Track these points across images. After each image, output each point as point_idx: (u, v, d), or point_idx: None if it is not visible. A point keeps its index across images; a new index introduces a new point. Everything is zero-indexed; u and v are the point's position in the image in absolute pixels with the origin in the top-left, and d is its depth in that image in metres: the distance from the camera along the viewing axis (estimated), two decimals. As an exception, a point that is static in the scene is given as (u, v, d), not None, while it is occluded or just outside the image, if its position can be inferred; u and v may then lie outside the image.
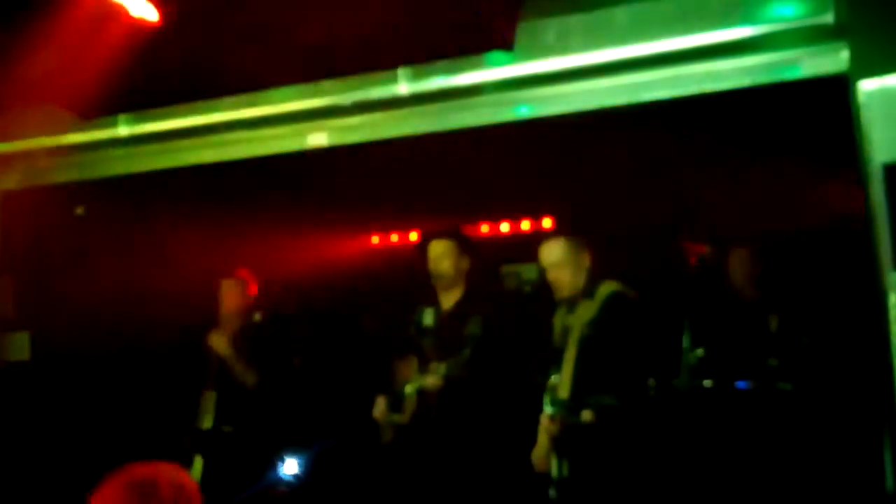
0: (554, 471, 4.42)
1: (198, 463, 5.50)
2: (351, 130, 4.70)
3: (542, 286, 7.00)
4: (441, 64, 4.15)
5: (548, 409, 4.39)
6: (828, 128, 3.86)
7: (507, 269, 7.42)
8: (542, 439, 4.62)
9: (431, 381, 4.94)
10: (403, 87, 4.28)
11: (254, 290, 5.93)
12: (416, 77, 4.24)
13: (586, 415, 4.31)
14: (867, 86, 3.22)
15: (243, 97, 4.65)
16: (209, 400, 5.82)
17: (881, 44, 3.24)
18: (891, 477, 3.24)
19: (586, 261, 4.63)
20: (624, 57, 3.88)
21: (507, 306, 5.65)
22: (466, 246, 5.28)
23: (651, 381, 4.54)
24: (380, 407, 5.22)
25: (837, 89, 3.52)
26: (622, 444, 4.39)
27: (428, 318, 5.24)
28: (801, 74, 3.74)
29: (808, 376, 5.11)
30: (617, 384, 4.37)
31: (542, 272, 4.89)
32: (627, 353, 4.39)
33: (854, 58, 3.34)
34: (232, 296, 5.89)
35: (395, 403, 5.19)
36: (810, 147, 4.93)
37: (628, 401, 4.37)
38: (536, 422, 4.64)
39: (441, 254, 5.19)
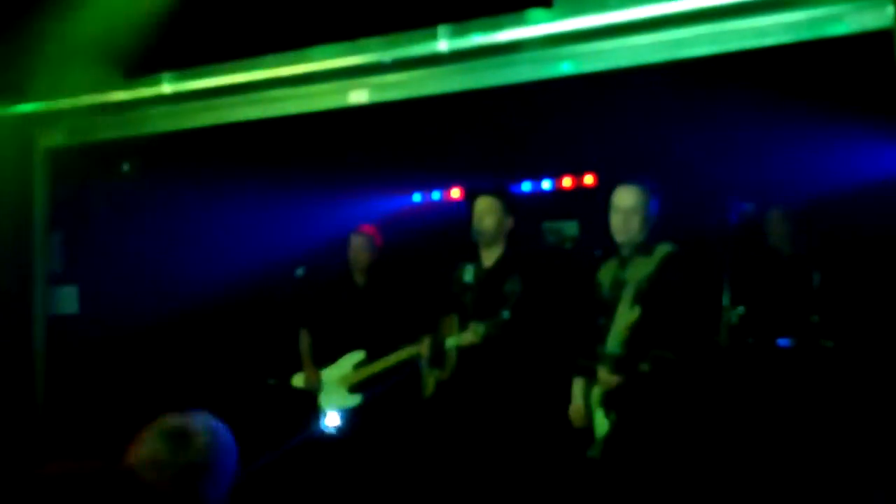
0: (600, 428, 4.48)
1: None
2: (391, 87, 4.71)
3: (582, 242, 7.04)
4: (481, 21, 4.14)
5: (603, 362, 4.43)
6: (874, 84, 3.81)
7: (548, 225, 7.41)
8: (579, 395, 4.67)
9: (469, 339, 5.00)
10: (443, 44, 4.28)
11: (378, 242, 6.19)
12: (456, 34, 4.24)
13: (644, 366, 4.33)
14: (912, 41, 3.17)
15: (285, 55, 4.67)
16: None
17: (927, -2, 3.19)
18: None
19: (653, 216, 4.61)
20: (665, 13, 3.84)
21: (548, 264, 5.66)
22: (511, 204, 5.29)
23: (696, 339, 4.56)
24: (423, 347, 5.34)
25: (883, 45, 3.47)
26: (672, 402, 4.40)
27: (468, 274, 5.26)
28: (845, 30, 3.68)
29: (850, 332, 5.11)
30: (671, 341, 4.37)
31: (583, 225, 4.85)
32: (684, 312, 4.39)
33: (899, 13, 3.29)
34: (360, 250, 6.15)
35: (437, 358, 5.26)
36: (857, 104, 4.86)
37: (682, 358, 4.38)
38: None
39: (485, 210, 5.21)
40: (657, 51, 4.05)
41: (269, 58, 4.69)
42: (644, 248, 4.54)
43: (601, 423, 4.49)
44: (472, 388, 5.07)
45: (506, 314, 4.85)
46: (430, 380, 5.30)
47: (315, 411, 5.83)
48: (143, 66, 4.75)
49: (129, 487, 2.32)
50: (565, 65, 4.32)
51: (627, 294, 4.45)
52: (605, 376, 4.43)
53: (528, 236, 6.06)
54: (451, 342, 5.14)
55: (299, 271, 6.09)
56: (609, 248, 4.68)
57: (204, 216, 6.69)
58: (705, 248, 4.72)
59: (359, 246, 6.15)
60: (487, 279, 5.21)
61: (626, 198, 4.58)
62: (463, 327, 5.09)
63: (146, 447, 2.53)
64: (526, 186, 7.67)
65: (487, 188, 5.35)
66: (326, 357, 6.09)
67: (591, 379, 4.59)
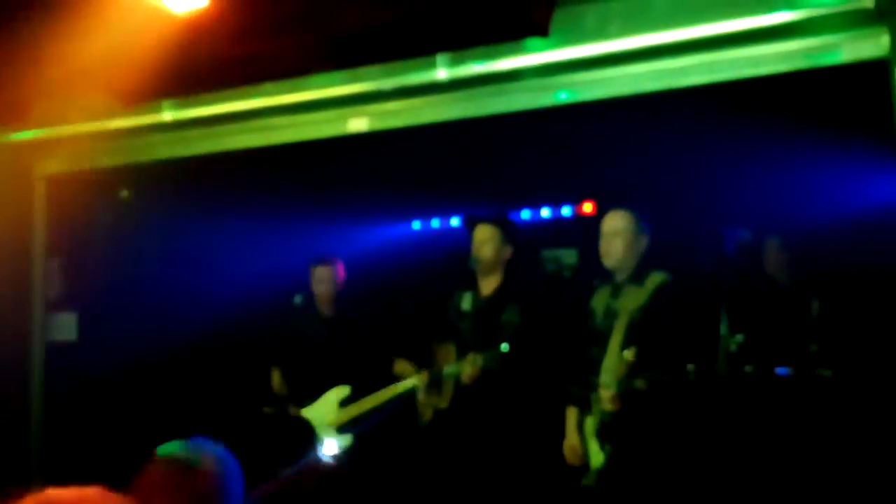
0: (595, 459, 4.47)
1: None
2: (391, 115, 4.74)
3: (581, 271, 7.04)
4: (479, 50, 4.18)
5: (605, 388, 4.41)
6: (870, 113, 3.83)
7: (547, 253, 7.43)
8: (573, 429, 4.66)
9: (468, 371, 4.97)
10: (442, 72, 4.32)
11: (342, 272, 6.09)
12: (455, 63, 4.27)
13: (639, 382, 4.31)
14: (907, 71, 3.20)
15: (285, 83, 4.71)
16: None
17: (921, 28, 3.22)
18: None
19: (643, 243, 4.62)
20: (662, 42, 3.88)
21: (546, 294, 5.65)
22: (510, 233, 5.28)
23: (691, 368, 4.55)
24: (421, 381, 5.32)
25: (879, 74, 3.50)
26: (668, 430, 4.40)
27: (466, 302, 5.26)
28: (840, 59, 3.71)
29: (849, 362, 5.10)
30: (661, 371, 4.37)
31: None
32: (677, 344, 4.39)
33: (894, 42, 3.32)
34: (324, 280, 6.04)
35: (434, 387, 5.24)
36: (855, 132, 4.89)
37: (676, 382, 4.37)
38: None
39: (485, 239, 5.20)
40: (653, 80, 4.08)
41: (269, 86, 4.73)
42: (636, 276, 4.54)
43: (596, 455, 4.48)
44: (470, 418, 5.06)
45: (505, 347, 4.83)
46: (428, 408, 5.28)
47: (313, 439, 5.80)
48: (143, 94, 4.77)
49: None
50: (562, 93, 4.35)
51: (620, 325, 4.46)
52: (603, 402, 4.43)
53: (526, 264, 6.06)
54: (448, 371, 5.13)
55: (297, 299, 6.10)
56: (606, 277, 4.68)
57: (203, 243, 6.70)
58: (701, 277, 4.72)
59: (321, 278, 6.03)
60: (485, 308, 5.20)
61: (610, 222, 4.61)
62: (461, 356, 5.08)
63: (153, 475, 2.53)
64: (525, 214, 7.70)
65: (486, 216, 5.35)
66: (304, 394, 5.95)
67: (584, 409, 4.59)
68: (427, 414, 5.28)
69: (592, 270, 4.94)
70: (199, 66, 4.12)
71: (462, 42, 4.08)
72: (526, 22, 3.52)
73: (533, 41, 4.00)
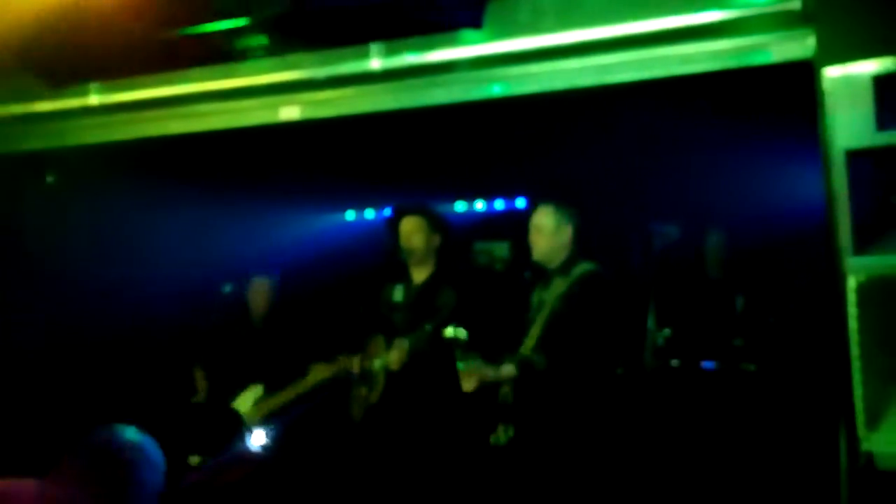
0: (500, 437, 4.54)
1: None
2: (323, 104, 4.69)
3: (513, 264, 7.07)
4: (413, 41, 4.16)
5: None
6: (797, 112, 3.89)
7: (479, 246, 7.45)
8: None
9: (395, 356, 4.98)
10: (376, 62, 4.29)
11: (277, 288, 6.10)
12: (389, 53, 4.25)
13: (508, 368, 4.39)
14: (832, 72, 3.25)
15: (216, 69, 4.63)
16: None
17: (846, 31, 3.27)
18: (844, 457, 3.32)
19: (567, 235, 4.65)
20: (595, 38, 3.90)
21: (480, 280, 5.68)
22: (438, 222, 5.30)
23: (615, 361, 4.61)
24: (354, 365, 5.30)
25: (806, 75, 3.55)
26: (575, 422, 4.44)
27: (398, 293, 5.27)
28: (769, 59, 3.76)
29: (772, 356, 5.19)
30: (576, 357, 4.41)
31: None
32: (591, 329, 4.43)
33: (820, 44, 3.37)
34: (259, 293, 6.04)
35: (365, 380, 5.23)
36: (779, 131, 4.97)
37: (555, 368, 4.41)
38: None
39: (412, 230, 5.21)
40: (586, 75, 4.10)
41: (199, 71, 4.65)
42: (564, 268, 4.59)
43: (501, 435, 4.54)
44: (401, 408, 5.05)
45: (429, 327, 4.84)
46: (359, 402, 5.26)
47: (241, 430, 5.75)
48: (70, 76, 4.67)
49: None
50: (496, 86, 4.35)
51: (542, 314, 4.51)
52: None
53: (458, 255, 6.08)
54: (377, 363, 5.12)
55: (226, 288, 6.04)
56: (538, 270, 4.71)
57: (131, 230, 6.59)
58: (628, 270, 4.78)
59: (257, 290, 6.04)
60: (419, 296, 5.20)
61: (536, 217, 4.66)
62: (390, 347, 5.07)
63: (72, 462, 2.50)
64: (459, 207, 7.72)
65: (411, 208, 5.36)
66: (225, 394, 5.91)
67: None
68: (359, 408, 5.26)
69: (525, 263, 4.97)
70: (125, 49, 4.05)
71: (395, 31, 4.05)
72: (458, 13, 3.51)
73: (467, 33, 4.00)
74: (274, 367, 5.83)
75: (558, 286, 4.56)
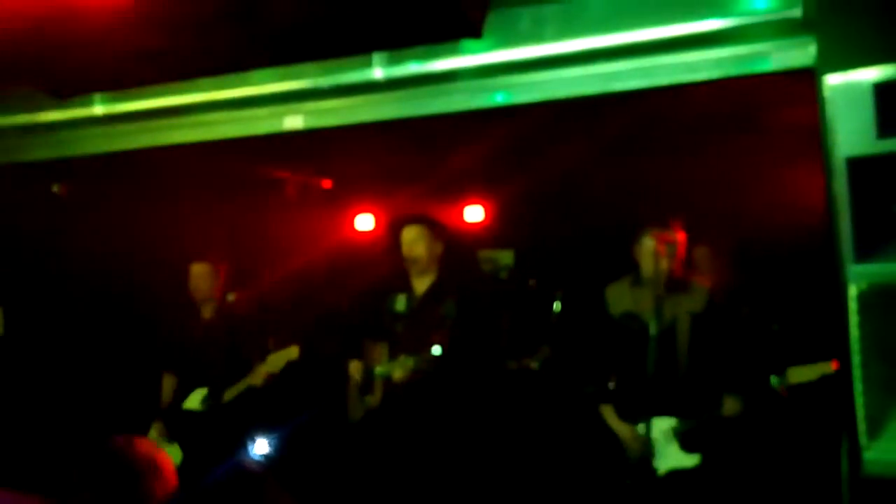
0: None
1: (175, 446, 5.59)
2: (327, 114, 4.71)
3: (518, 272, 7.08)
4: (415, 50, 4.17)
5: None
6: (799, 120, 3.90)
7: (483, 254, 7.46)
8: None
9: (398, 374, 5.00)
10: (378, 71, 4.30)
11: (223, 272, 5.93)
12: (391, 62, 4.26)
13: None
14: (832, 80, 3.25)
15: (220, 79, 4.65)
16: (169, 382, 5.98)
17: (847, 39, 3.27)
18: (845, 466, 3.32)
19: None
20: (596, 47, 3.91)
21: (482, 290, 5.69)
22: (439, 231, 5.31)
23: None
24: (355, 370, 5.31)
25: (807, 82, 3.56)
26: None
27: (401, 303, 5.28)
28: (770, 67, 3.77)
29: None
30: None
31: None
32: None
33: (820, 52, 3.37)
34: (203, 279, 5.90)
35: (366, 385, 5.24)
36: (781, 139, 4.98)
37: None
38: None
39: (414, 238, 5.23)
40: (590, 83, 4.10)
41: (204, 81, 4.67)
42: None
43: None
44: (401, 417, 5.06)
45: (436, 350, 4.87)
46: (359, 406, 5.27)
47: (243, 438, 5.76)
48: (75, 87, 4.69)
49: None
50: (499, 95, 4.36)
51: None
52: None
53: (461, 263, 6.09)
54: (379, 371, 5.14)
55: (230, 297, 6.03)
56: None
57: (134, 237, 6.61)
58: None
59: (199, 275, 5.91)
60: (420, 306, 5.21)
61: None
62: (393, 356, 5.08)
63: (83, 475, 2.50)
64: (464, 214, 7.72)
65: (412, 217, 5.38)
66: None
67: None
68: (358, 412, 5.27)
69: (530, 271, 5.00)
70: (129, 60, 4.06)
71: (392, 42, 4.06)
72: (457, 23, 3.51)
73: (468, 43, 4.01)
74: (226, 364, 5.77)
75: None
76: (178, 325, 6.04)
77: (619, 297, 4.87)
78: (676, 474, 4.58)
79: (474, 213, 7.58)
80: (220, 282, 5.92)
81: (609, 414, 4.79)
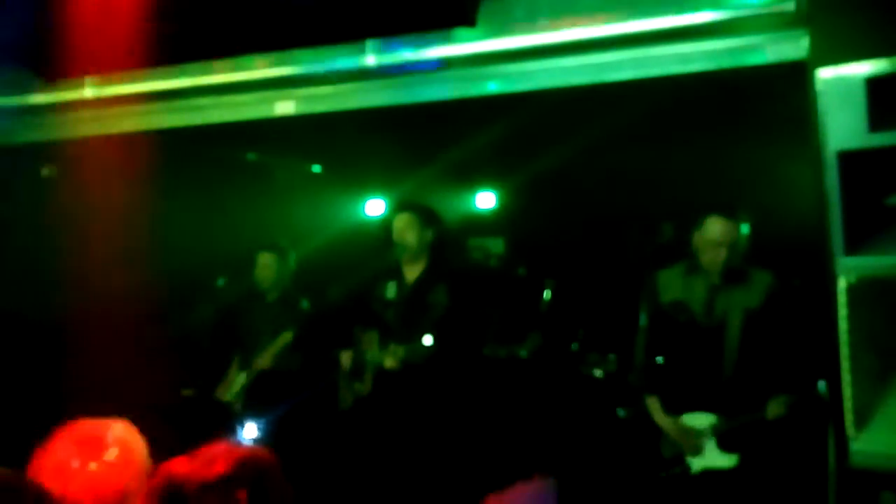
0: None
1: None
2: (319, 100, 4.70)
3: (509, 260, 7.08)
4: (408, 38, 4.16)
5: None
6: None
7: (473, 242, 7.45)
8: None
9: (389, 363, 5.01)
10: (371, 58, 4.29)
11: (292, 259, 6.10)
12: (384, 49, 4.25)
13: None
14: (825, 73, 3.25)
15: (211, 63, 4.63)
16: None
17: (839, 33, 3.28)
18: (832, 457, 3.34)
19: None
20: (590, 37, 3.90)
21: (472, 278, 5.70)
22: (430, 218, 5.31)
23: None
24: (345, 357, 5.33)
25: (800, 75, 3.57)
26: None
27: (391, 290, 5.28)
28: (764, 60, 3.77)
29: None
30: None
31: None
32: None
33: (813, 45, 3.38)
34: (268, 268, 6.02)
35: (357, 371, 5.25)
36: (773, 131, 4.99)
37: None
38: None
39: (405, 226, 5.22)
40: (582, 73, 4.10)
41: (195, 65, 4.65)
42: None
43: None
44: (391, 404, 5.07)
45: (427, 341, 4.87)
46: (349, 393, 5.29)
47: (231, 423, 5.76)
48: (65, 70, 4.66)
49: (33, 498, 2.27)
50: (491, 84, 4.35)
51: None
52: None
53: (451, 251, 6.09)
54: (369, 359, 5.15)
55: (220, 282, 6.03)
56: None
57: (127, 221, 6.58)
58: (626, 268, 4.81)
59: (265, 264, 6.01)
60: (411, 294, 5.21)
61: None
62: (384, 344, 5.09)
63: (55, 454, 2.48)
64: (456, 202, 7.71)
65: (403, 204, 5.39)
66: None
67: None
68: (348, 399, 5.29)
69: (520, 259, 5.00)
70: (120, 43, 4.04)
71: (387, 29, 4.05)
72: (452, 11, 3.51)
73: (462, 31, 4.00)
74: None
75: None
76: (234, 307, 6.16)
77: (670, 284, 4.68)
78: (710, 474, 4.48)
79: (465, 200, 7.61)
80: (288, 269, 6.05)
81: (654, 407, 4.67)
